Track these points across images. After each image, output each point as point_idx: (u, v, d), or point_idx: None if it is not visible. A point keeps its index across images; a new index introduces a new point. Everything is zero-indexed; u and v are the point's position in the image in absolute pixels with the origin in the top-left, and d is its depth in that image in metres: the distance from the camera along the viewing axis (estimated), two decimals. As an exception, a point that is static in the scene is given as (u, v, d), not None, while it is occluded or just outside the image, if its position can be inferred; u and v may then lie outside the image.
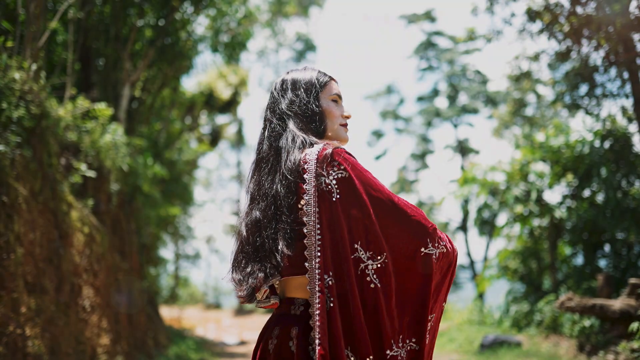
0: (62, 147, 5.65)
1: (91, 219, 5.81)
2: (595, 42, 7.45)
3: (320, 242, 1.51)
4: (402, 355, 1.50)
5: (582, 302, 5.47)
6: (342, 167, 1.54)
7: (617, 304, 5.19)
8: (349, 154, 1.60)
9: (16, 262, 4.17)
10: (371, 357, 1.46)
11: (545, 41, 8.51)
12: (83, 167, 5.68)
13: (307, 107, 1.70)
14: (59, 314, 4.71)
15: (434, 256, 1.56)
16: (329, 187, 1.53)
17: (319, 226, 1.52)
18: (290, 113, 1.69)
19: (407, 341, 1.51)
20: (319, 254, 1.50)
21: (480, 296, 15.78)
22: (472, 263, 21.29)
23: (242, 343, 12.13)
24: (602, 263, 9.41)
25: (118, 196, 6.68)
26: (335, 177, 1.54)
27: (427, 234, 1.56)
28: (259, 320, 17.75)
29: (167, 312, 13.79)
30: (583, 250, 9.41)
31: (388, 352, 1.49)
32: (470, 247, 21.29)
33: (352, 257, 1.50)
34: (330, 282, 1.48)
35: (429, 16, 23.55)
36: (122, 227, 6.81)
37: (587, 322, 6.78)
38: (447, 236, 1.64)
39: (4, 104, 4.49)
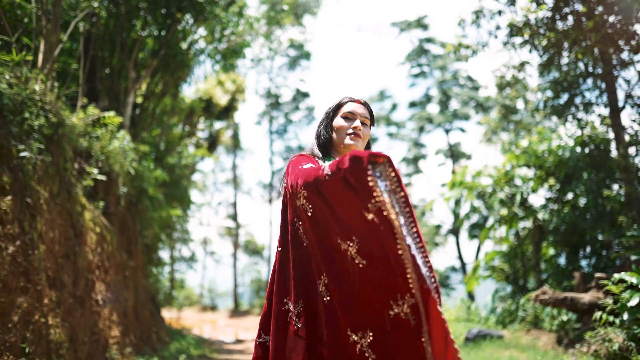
0: (76, 153, 6.06)
1: (102, 219, 6.22)
2: (575, 55, 7.95)
3: (280, 226, 2.10)
4: (325, 282, 1.87)
5: (554, 295, 5.92)
6: (287, 167, 2.10)
7: (587, 297, 5.64)
8: (303, 156, 2.14)
9: (39, 258, 4.58)
10: (301, 301, 1.93)
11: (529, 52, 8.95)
12: (95, 171, 6.08)
13: (319, 128, 2.27)
14: (76, 306, 5.12)
15: (302, 199, 1.89)
16: (285, 185, 2.07)
17: (281, 216, 2.10)
18: (314, 135, 2.30)
19: (324, 274, 1.88)
20: (278, 234, 2.10)
21: (471, 296, 16.26)
22: (463, 265, 21.74)
23: (239, 341, 12.53)
24: (584, 263, 9.87)
25: (125, 198, 7.08)
26: (285, 176, 2.08)
27: (301, 185, 1.89)
28: (254, 320, 18.12)
29: (164, 314, 14.15)
30: (565, 251, 9.87)
31: (319, 282, 1.89)
32: (462, 250, 21.79)
33: (293, 227, 2.01)
34: (278, 250, 2.05)
35: (420, 24, 24.03)
36: (128, 228, 7.22)
37: (564, 317, 7.24)
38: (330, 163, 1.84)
39: (26, 113, 4.91)
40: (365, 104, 2.22)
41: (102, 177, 6.19)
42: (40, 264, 4.60)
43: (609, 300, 4.56)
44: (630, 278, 4.42)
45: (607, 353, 4.37)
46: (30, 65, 5.64)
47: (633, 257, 5.15)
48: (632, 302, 4.30)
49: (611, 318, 4.66)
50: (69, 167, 5.68)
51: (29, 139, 4.79)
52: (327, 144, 2.22)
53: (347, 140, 2.15)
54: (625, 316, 4.41)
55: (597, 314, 4.74)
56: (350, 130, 2.15)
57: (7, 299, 4.04)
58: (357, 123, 2.15)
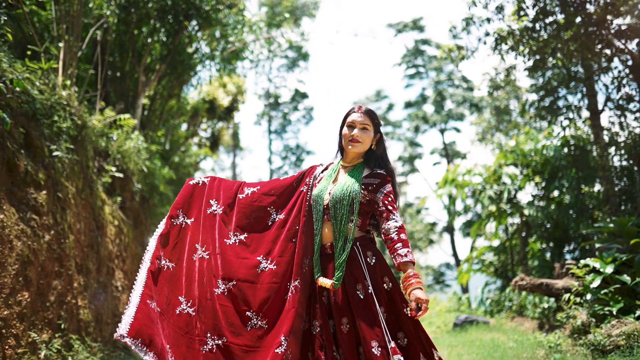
0: (96, 152, 6.60)
1: (119, 213, 6.77)
2: (556, 61, 8.52)
3: None
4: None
5: (532, 281, 6.49)
6: None
7: (560, 282, 6.20)
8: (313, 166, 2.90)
9: (69, 247, 5.13)
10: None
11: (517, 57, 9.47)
12: (113, 169, 6.63)
13: None
14: (99, 290, 5.68)
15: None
16: None
17: None
18: None
19: None
20: None
21: (465, 290, 16.84)
22: (458, 262, 22.30)
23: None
24: (569, 257, 10.43)
25: (139, 194, 7.63)
26: None
27: None
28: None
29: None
30: (550, 245, 10.43)
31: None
32: (457, 247, 22.32)
33: None
34: None
35: (416, 25, 24.56)
36: (142, 222, 7.77)
37: (546, 305, 7.80)
38: None
39: (55, 117, 5.45)
40: (365, 112, 2.66)
41: (120, 175, 6.73)
42: (70, 251, 5.15)
43: (574, 282, 5.13)
44: (594, 263, 5.00)
45: (572, 329, 4.94)
46: (54, 72, 6.18)
47: (597, 245, 5.73)
48: (594, 284, 4.87)
49: (578, 299, 5.24)
50: (91, 165, 6.23)
51: (59, 139, 5.33)
52: (340, 150, 2.79)
53: (348, 146, 2.67)
54: (589, 296, 4.99)
55: (565, 296, 5.32)
56: (350, 138, 2.65)
57: (45, 281, 4.60)
58: (355, 131, 2.64)
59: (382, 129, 2.81)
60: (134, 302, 2.48)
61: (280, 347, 2.36)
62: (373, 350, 2.32)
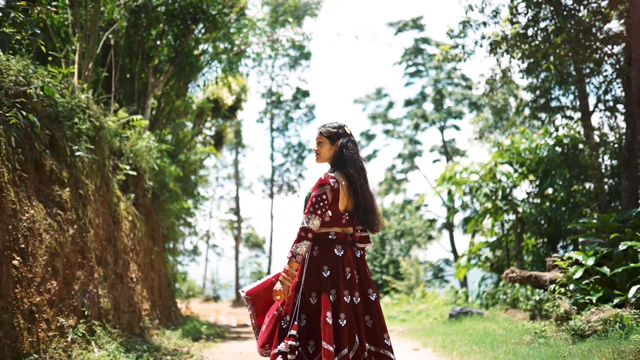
0: (111, 152, 6.99)
1: (133, 209, 7.16)
2: (548, 65, 8.88)
3: None
4: None
5: (521, 274, 6.88)
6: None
7: (548, 275, 6.58)
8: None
9: (90, 240, 5.53)
10: None
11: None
12: (127, 167, 7.01)
13: None
14: (117, 281, 6.07)
15: None
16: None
17: None
18: None
19: None
20: None
21: (464, 284, 17.21)
22: (456, 258, 22.66)
23: (244, 325, 13.49)
24: (562, 252, 10.81)
25: (150, 191, 8.02)
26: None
27: None
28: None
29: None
30: (545, 241, 10.81)
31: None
32: (456, 243, 22.68)
33: None
34: None
35: (416, 24, 24.86)
36: (152, 217, 8.16)
37: (537, 297, 8.19)
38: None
39: (76, 119, 5.83)
40: (319, 131, 3.20)
41: (133, 172, 7.12)
42: (91, 244, 5.54)
43: (559, 274, 5.51)
44: (577, 256, 5.39)
45: (555, 316, 5.34)
46: (71, 75, 6.55)
47: (581, 239, 6.13)
48: (577, 275, 5.27)
49: (562, 289, 5.63)
50: (107, 163, 6.61)
51: (79, 140, 5.71)
52: None
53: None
54: (572, 287, 5.38)
55: (551, 287, 5.71)
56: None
57: (70, 271, 4.99)
58: (313, 146, 3.24)
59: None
60: (269, 276, 3.22)
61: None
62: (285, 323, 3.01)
